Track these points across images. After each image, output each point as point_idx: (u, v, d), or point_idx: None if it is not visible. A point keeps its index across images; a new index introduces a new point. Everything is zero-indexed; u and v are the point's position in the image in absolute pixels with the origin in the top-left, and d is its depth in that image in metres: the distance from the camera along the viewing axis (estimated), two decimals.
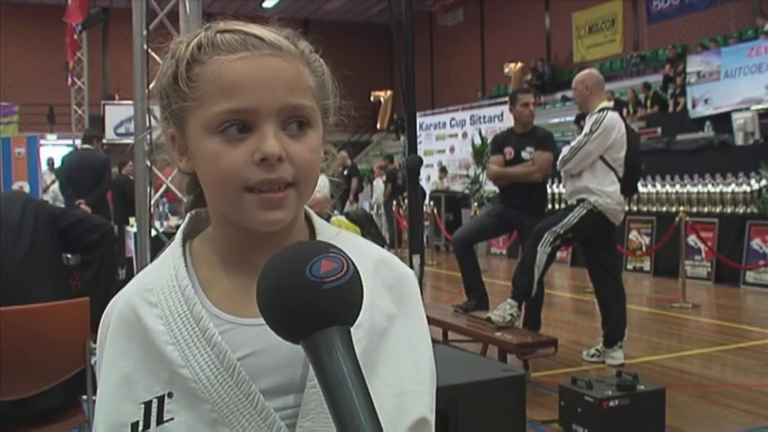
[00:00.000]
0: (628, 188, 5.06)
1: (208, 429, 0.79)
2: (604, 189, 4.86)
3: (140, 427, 0.80)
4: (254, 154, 0.80)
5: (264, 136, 0.80)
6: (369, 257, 0.90)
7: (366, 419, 0.65)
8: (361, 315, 0.72)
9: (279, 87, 0.81)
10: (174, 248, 0.90)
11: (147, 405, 0.81)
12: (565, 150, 5.08)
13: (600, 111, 4.94)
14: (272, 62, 0.81)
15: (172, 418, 0.80)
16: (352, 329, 0.71)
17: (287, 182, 0.81)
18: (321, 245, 0.72)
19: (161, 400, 0.81)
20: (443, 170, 15.70)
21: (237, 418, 0.79)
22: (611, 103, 5.31)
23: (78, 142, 9.08)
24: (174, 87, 0.84)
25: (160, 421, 0.80)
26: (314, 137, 0.84)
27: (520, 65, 20.47)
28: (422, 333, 0.91)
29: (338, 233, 0.92)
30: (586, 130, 4.93)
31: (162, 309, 0.84)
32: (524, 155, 5.29)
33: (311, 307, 0.68)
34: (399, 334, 0.87)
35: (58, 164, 11.24)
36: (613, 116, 4.93)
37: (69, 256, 3.05)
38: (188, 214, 0.94)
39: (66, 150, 10.13)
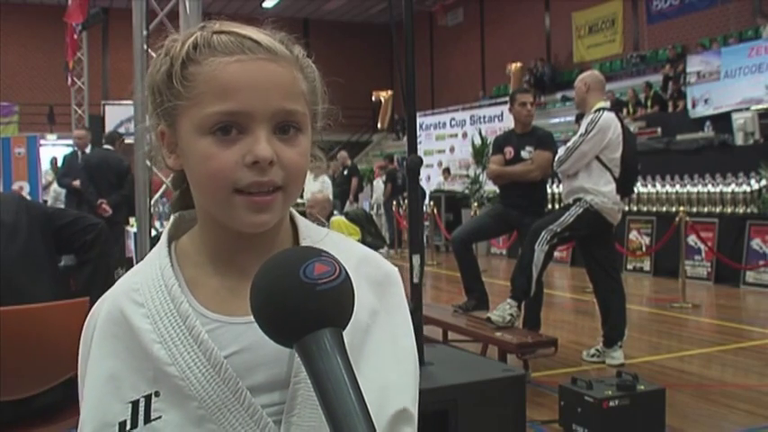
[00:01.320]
0: (624, 188, 5.06)
1: (195, 427, 0.80)
2: (600, 189, 4.87)
3: (128, 426, 0.80)
4: (246, 156, 0.80)
5: (257, 139, 0.80)
6: (352, 255, 0.91)
7: (360, 421, 0.65)
8: None
9: (274, 92, 0.82)
10: (159, 249, 0.90)
11: (135, 404, 0.81)
12: (561, 151, 5.09)
13: (596, 111, 4.95)
14: (267, 66, 0.82)
15: (159, 417, 0.80)
16: None
17: (276, 185, 0.82)
18: (313, 249, 0.74)
19: (148, 398, 0.81)
20: (446, 171, 15.69)
21: (225, 415, 0.79)
22: (608, 104, 5.31)
23: (74, 143, 9.07)
24: (168, 85, 0.84)
25: (147, 420, 0.80)
26: (304, 142, 0.85)
27: (518, 65, 20.47)
28: (405, 327, 0.92)
29: (327, 234, 0.94)
30: (582, 130, 4.94)
31: (148, 308, 0.84)
32: (524, 154, 5.30)
33: (305, 308, 0.68)
34: (382, 329, 0.88)
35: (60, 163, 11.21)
36: (609, 116, 4.94)
37: (63, 260, 3.04)
38: (172, 216, 0.95)
39: (67, 150, 10.09)
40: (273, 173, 0.81)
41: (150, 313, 0.84)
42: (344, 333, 0.71)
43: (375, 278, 0.92)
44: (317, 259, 0.71)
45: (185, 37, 0.85)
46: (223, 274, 0.88)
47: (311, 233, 0.93)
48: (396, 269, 0.96)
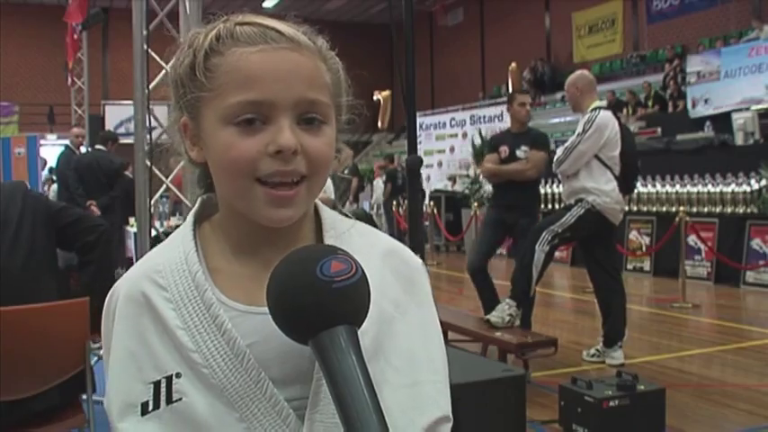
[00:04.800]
0: (625, 186, 5.08)
1: (219, 414, 0.80)
2: (602, 188, 4.87)
3: (150, 407, 0.81)
4: (269, 146, 0.80)
5: (280, 128, 0.80)
6: (379, 247, 0.91)
7: (374, 418, 0.65)
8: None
9: (297, 81, 0.81)
10: (184, 232, 0.90)
11: (156, 385, 0.81)
12: (559, 152, 5.10)
13: (592, 110, 4.97)
14: (290, 56, 0.82)
15: (180, 398, 0.80)
16: None
17: (301, 174, 0.81)
18: (330, 247, 0.74)
19: (169, 380, 0.81)
20: (452, 179, 15.61)
21: (247, 404, 0.79)
22: (604, 103, 5.32)
23: (70, 141, 9.08)
24: (191, 77, 0.84)
25: (169, 401, 0.80)
26: (328, 133, 0.85)
27: (514, 65, 20.47)
28: (433, 322, 0.92)
29: (353, 225, 0.93)
30: (579, 130, 4.96)
31: (171, 292, 0.84)
32: (519, 153, 5.33)
33: (321, 304, 0.69)
34: (411, 322, 0.88)
35: (51, 163, 11.19)
36: (606, 115, 4.96)
37: (63, 258, 3.02)
38: (199, 198, 0.94)
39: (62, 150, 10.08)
40: (297, 162, 0.81)
41: (173, 298, 0.84)
42: (369, 326, 0.72)
43: (402, 271, 0.91)
44: (334, 257, 0.71)
45: (208, 29, 0.85)
46: (245, 264, 0.88)
47: (336, 225, 0.92)
48: (421, 261, 0.95)
